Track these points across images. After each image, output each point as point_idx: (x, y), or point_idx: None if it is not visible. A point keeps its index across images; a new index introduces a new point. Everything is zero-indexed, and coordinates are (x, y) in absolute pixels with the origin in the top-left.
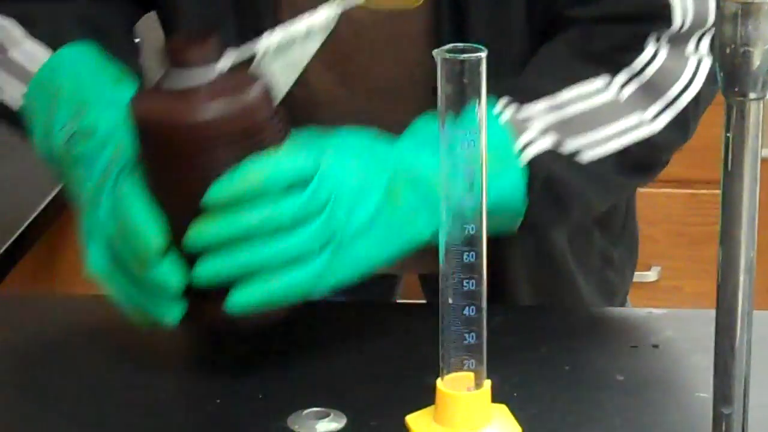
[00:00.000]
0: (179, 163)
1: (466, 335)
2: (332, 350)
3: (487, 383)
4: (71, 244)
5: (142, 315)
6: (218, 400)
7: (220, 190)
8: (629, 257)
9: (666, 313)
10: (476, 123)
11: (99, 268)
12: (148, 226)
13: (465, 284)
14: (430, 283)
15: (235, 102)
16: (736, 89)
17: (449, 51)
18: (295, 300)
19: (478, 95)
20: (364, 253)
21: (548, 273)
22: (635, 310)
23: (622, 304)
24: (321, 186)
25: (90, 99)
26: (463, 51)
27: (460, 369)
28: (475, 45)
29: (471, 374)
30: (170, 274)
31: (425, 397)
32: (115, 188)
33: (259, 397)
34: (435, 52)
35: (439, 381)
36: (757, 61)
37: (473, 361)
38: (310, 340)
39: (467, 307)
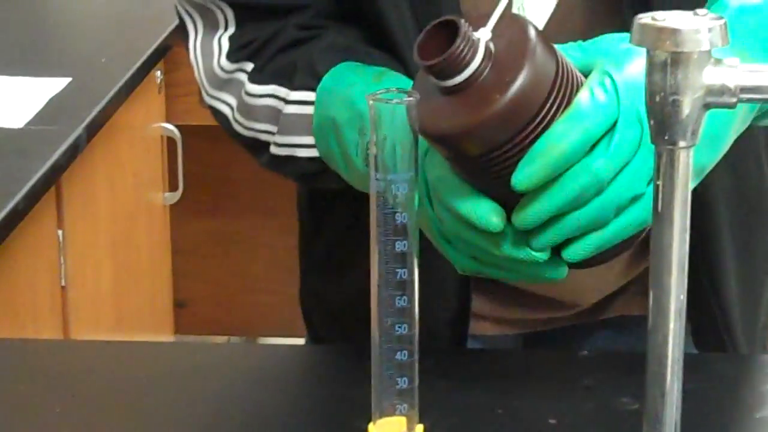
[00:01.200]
0: (489, 158)
1: (399, 380)
2: (260, 394)
3: (419, 428)
4: None
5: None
6: None
7: (532, 173)
8: None
9: (597, 354)
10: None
11: (467, 267)
12: (482, 209)
13: (397, 329)
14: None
15: (522, 72)
16: (666, 137)
17: None
18: (631, 234)
19: None
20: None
21: (748, 209)
22: (566, 351)
23: None
24: (626, 127)
25: (364, 108)
26: None
27: (393, 413)
28: None
29: (403, 419)
30: (520, 247)
31: None
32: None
33: None
34: None
35: (371, 425)
36: (686, 110)
37: (405, 405)
38: (237, 383)
39: (399, 352)
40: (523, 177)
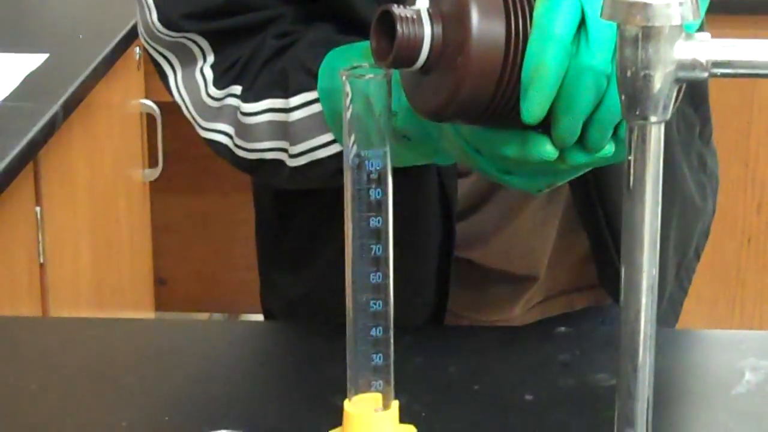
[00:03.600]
0: (491, 109)
1: (374, 356)
2: (239, 371)
3: (395, 404)
4: None
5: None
6: (124, 423)
7: (533, 106)
8: (715, 175)
9: (574, 331)
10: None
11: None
12: (530, 148)
13: (372, 305)
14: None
15: (471, 23)
16: (637, 112)
17: None
18: None
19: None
20: None
21: None
22: (544, 328)
23: (709, 228)
24: (594, 13)
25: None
26: None
27: (368, 390)
28: None
29: (379, 395)
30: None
31: (333, 419)
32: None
33: (165, 419)
34: None
35: (346, 402)
36: (657, 85)
37: (381, 382)
38: (216, 360)
39: (374, 328)
40: (528, 113)
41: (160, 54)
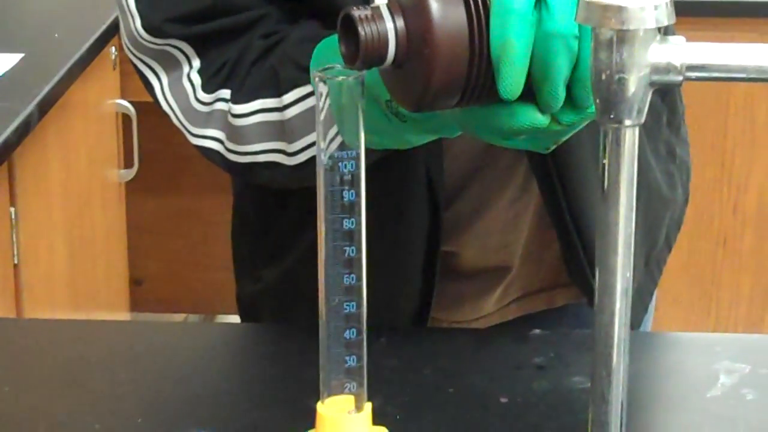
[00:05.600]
0: (469, 93)
1: (347, 358)
2: (214, 373)
3: (368, 406)
4: None
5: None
6: (97, 426)
7: (508, 82)
8: (686, 164)
9: (549, 333)
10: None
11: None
12: (520, 120)
13: (345, 307)
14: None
15: (429, 13)
16: (612, 116)
17: None
18: None
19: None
20: None
21: None
22: (518, 329)
23: (680, 219)
24: None
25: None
26: None
27: (341, 392)
28: None
29: (352, 397)
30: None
31: (308, 421)
32: None
33: (138, 421)
34: None
35: (319, 404)
36: (632, 88)
37: (354, 383)
38: (191, 362)
39: (348, 330)
40: (505, 90)
41: (145, 64)
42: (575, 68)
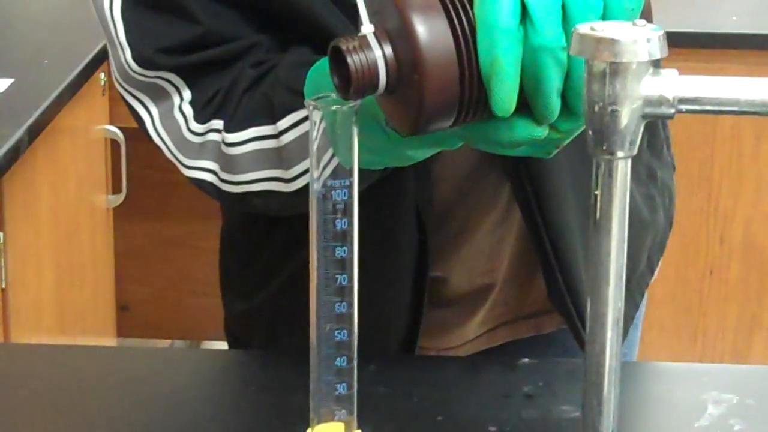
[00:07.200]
0: (464, 113)
1: (337, 386)
2: (201, 399)
3: None
4: None
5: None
6: None
7: (500, 99)
8: (668, 188)
9: (538, 362)
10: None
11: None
12: (517, 134)
13: (336, 334)
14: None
15: (416, 40)
16: (604, 147)
17: None
18: None
19: None
20: None
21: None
22: (507, 357)
23: (663, 242)
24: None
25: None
26: None
27: (331, 419)
28: None
29: (341, 425)
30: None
31: None
32: None
33: None
34: None
35: (309, 431)
36: (624, 120)
37: (344, 411)
38: (178, 389)
39: (339, 358)
40: (498, 107)
41: (135, 97)
42: (567, 77)
